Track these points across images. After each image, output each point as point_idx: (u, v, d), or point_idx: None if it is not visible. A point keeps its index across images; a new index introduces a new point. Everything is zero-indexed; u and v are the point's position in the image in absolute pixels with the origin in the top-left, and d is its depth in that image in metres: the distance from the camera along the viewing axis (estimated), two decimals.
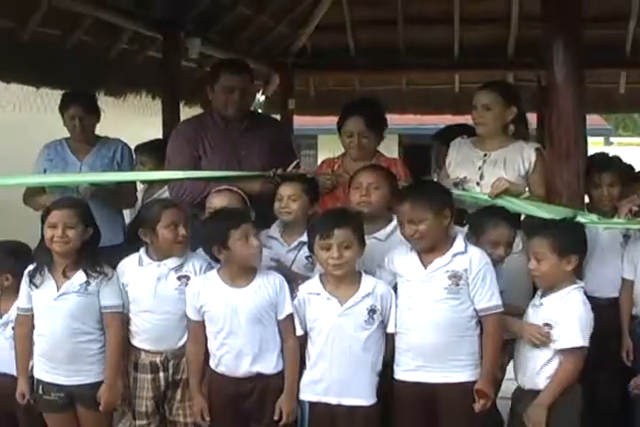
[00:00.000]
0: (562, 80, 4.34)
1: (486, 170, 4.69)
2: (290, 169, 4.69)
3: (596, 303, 4.17)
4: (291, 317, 3.98)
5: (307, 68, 8.80)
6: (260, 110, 9.12)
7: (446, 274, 3.89)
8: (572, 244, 3.95)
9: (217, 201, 4.39)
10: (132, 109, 8.11)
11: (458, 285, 3.87)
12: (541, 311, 3.91)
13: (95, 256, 4.11)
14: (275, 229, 4.48)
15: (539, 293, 4.00)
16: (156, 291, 4.14)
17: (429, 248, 3.94)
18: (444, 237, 3.96)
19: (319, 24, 8.44)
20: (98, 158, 5.47)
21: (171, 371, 4.17)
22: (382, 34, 8.43)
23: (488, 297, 3.88)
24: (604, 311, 4.29)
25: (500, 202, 4.43)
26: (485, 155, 4.74)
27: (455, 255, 3.91)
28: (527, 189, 4.65)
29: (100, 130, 5.70)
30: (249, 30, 7.96)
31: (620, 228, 4.53)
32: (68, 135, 5.59)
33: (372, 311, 3.92)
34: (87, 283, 4.03)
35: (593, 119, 16.61)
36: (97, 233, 4.16)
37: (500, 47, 8.24)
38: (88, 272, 4.04)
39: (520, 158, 4.66)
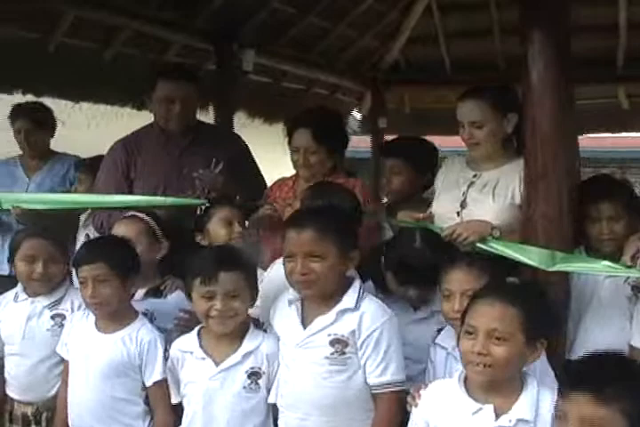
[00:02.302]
0: (537, 84, 3.10)
1: (470, 196, 3.48)
2: (211, 172, 3.68)
3: None
4: (161, 384, 3.03)
5: (400, 84, 7.64)
6: (355, 131, 8.10)
7: (328, 338, 2.77)
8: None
9: (120, 230, 3.46)
10: None
11: (343, 353, 2.77)
12: None
13: None
14: None
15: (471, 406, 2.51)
16: (26, 331, 3.37)
17: (318, 298, 2.86)
18: (340, 287, 2.86)
19: (411, 36, 7.28)
20: (48, 176, 4.76)
21: (44, 425, 3.30)
22: (478, 45, 7.14)
23: (380, 370, 2.78)
24: None
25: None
26: (475, 175, 3.53)
27: (342, 313, 2.82)
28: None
29: None
30: (326, 43, 6.95)
31: (624, 275, 3.15)
32: None
33: (253, 375, 2.91)
34: None
35: None
36: None
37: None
38: None
39: (518, 180, 3.39)
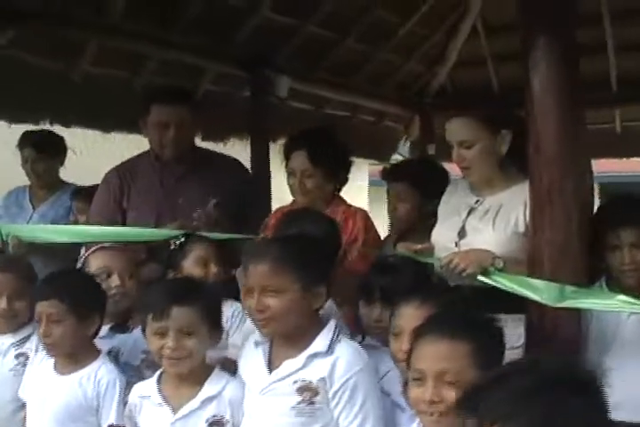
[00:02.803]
0: (539, 94, 2.68)
1: (469, 224, 3.05)
2: (207, 211, 3.34)
3: None
4: None
5: (448, 109, 7.16)
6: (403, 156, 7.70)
7: (295, 386, 2.37)
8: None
9: (95, 263, 3.15)
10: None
11: (312, 403, 2.38)
12: None
13: None
14: None
15: None
16: None
17: (283, 339, 2.47)
18: (309, 326, 2.47)
19: (458, 59, 6.87)
20: (53, 208, 4.50)
21: None
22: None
23: (357, 424, 2.35)
24: None
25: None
26: (477, 202, 3.10)
27: (312, 357, 2.42)
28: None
29: None
30: (368, 68, 6.60)
31: None
32: None
33: (215, 425, 2.51)
34: None
35: None
36: None
37: None
38: None
39: (522, 206, 2.95)
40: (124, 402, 2.69)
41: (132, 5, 4.85)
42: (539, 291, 2.63)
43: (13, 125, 5.06)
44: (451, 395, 2.01)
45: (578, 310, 2.67)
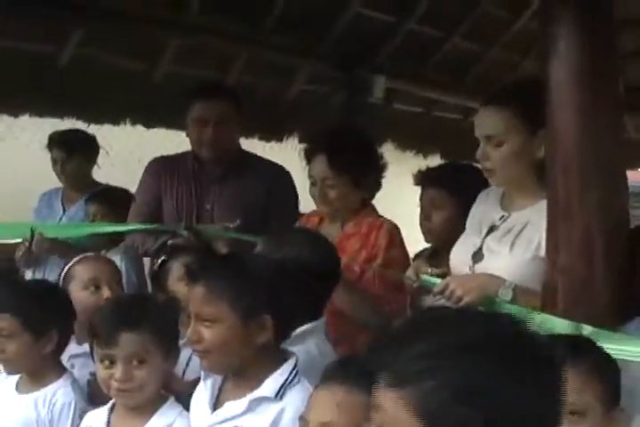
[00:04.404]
0: (558, 75, 2.01)
1: (486, 245, 2.39)
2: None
3: None
4: None
5: None
6: None
7: None
8: None
9: (84, 273, 2.75)
10: None
11: None
12: None
13: None
14: None
15: None
16: None
17: (232, 374, 2.00)
18: (258, 363, 1.97)
19: None
20: (82, 210, 4.02)
21: None
22: None
23: None
24: None
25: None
26: (502, 217, 2.43)
27: (257, 402, 1.90)
28: None
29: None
30: (479, 68, 5.92)
31: None
32: None
33: None
34: None
35: None
36: None
37: None
38: None
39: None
40: None
41: (217, 2, 4.51)
42: (548, 329, 1.96)
43: (92, 126, 4.84)
44: None
45: None
